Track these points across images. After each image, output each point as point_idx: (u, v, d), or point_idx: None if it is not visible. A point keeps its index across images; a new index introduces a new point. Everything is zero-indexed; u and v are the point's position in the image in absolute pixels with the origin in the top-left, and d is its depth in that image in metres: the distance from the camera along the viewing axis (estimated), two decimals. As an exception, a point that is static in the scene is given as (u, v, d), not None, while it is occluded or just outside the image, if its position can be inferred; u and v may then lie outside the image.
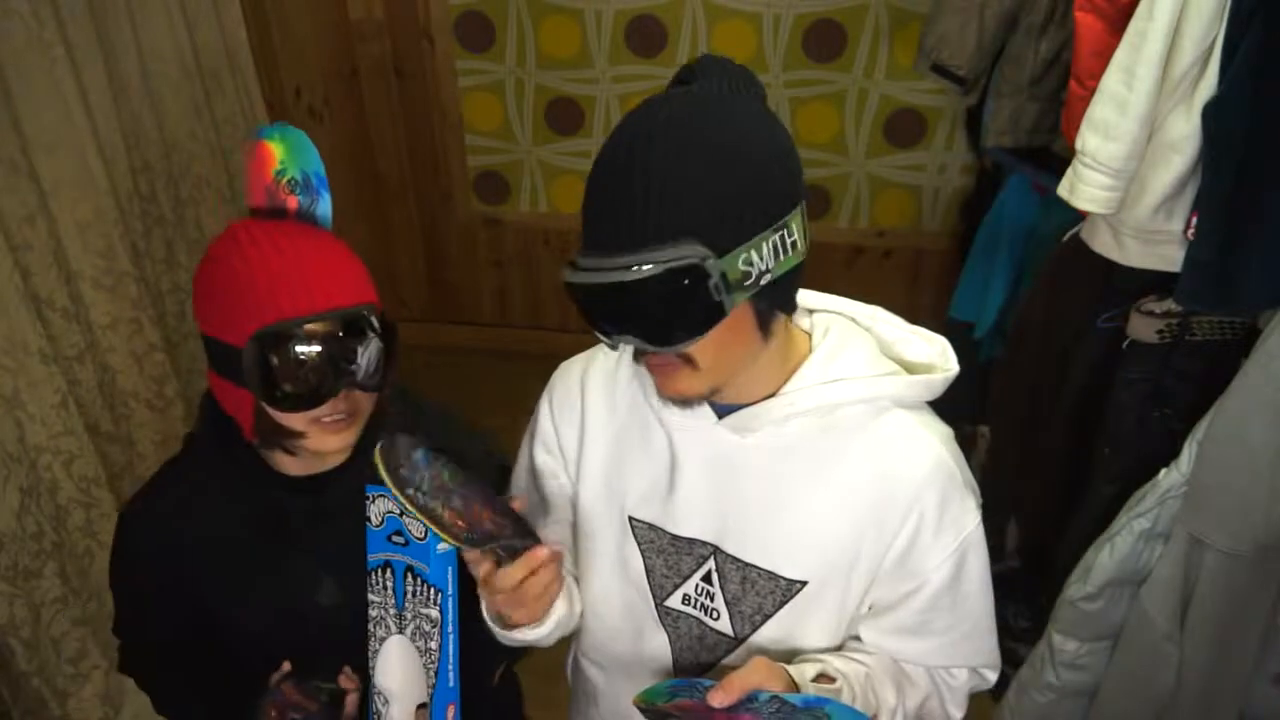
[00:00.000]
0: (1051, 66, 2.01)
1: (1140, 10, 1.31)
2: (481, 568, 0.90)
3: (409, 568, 0.98)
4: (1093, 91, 1.40)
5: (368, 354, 0.94)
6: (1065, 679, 1.73)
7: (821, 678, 0.91)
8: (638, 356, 0.89)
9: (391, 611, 1.00)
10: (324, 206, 1.02)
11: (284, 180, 1.00)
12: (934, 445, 0.92)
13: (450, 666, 0.98)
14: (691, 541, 0.97)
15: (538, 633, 0.97)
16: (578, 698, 1.20)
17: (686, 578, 0.99)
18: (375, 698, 1.02)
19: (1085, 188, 1.43)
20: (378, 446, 0.86)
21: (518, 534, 0.90)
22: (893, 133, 2.95)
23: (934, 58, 2.22)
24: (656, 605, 1.01)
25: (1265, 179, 1.28)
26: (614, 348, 0.87)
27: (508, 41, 2.97)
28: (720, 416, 0.93)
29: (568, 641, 1.13)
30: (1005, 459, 2.01)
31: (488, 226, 3.33)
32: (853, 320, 0.98)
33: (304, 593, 1.07)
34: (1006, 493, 1.99)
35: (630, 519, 1.00)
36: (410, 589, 0.98)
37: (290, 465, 1.04)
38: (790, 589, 0.94)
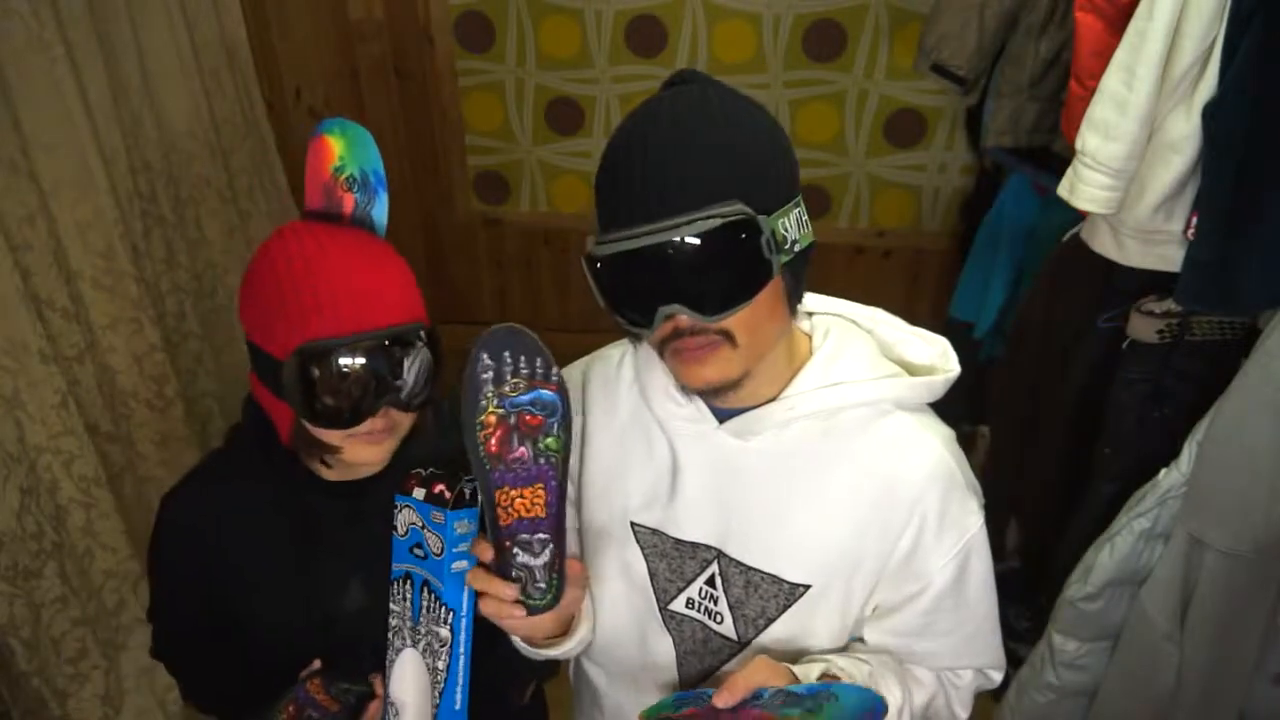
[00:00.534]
0: (1051, 66, 2.01)
1: (1140, 10, 1.31)
2: (485, 555, 0.88)
3: (425, 582, 0.97)
4: (1093, 91, 1.40)
5: (411, 374, 0.92)
6: (1065, 679, 1.73)
7: (825, 677, 0.91)
8: (663, 347, 0.86)
9: (408, 623, 1.00)
10: (380, 208, 0.99)
11: (342, 177, 0.98)
12: (935, 447, 0.92)
13: (458, 688, 0.96)
14: (695, 545, 0.97)
15: (564, 648, 0.97)
16: (581, 699, 1.20)
17: (690, 582, 0.99)
18: (389, 707, 1.02)
19: (1085, 188, 1.43)
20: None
21: (559, 534, 0.88)
22: (893, 133, 2.95)
23: (934, 58, 2.22)
24: (660, 609, 1.01)
25: (1265, 179, 1.28)
26: (638, 338, 0.86)
27: (508, 41, 2.97)
28: (721, 421, 0.92)
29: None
30: (1005, 459, 2.01)
31: (488, 226, 3.33)
32: (853, 322, 0.98)
33: (331, 596, 1.07)
34: (1006, 493, 1.99)
35: (632, 524, 1.00)
36: (425, 604, 0.97)
37: (327, 471, 1.03)
38: (794, 592, 0.94)
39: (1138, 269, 1.51)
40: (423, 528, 0.95)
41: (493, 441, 0.83)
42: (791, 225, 0.82)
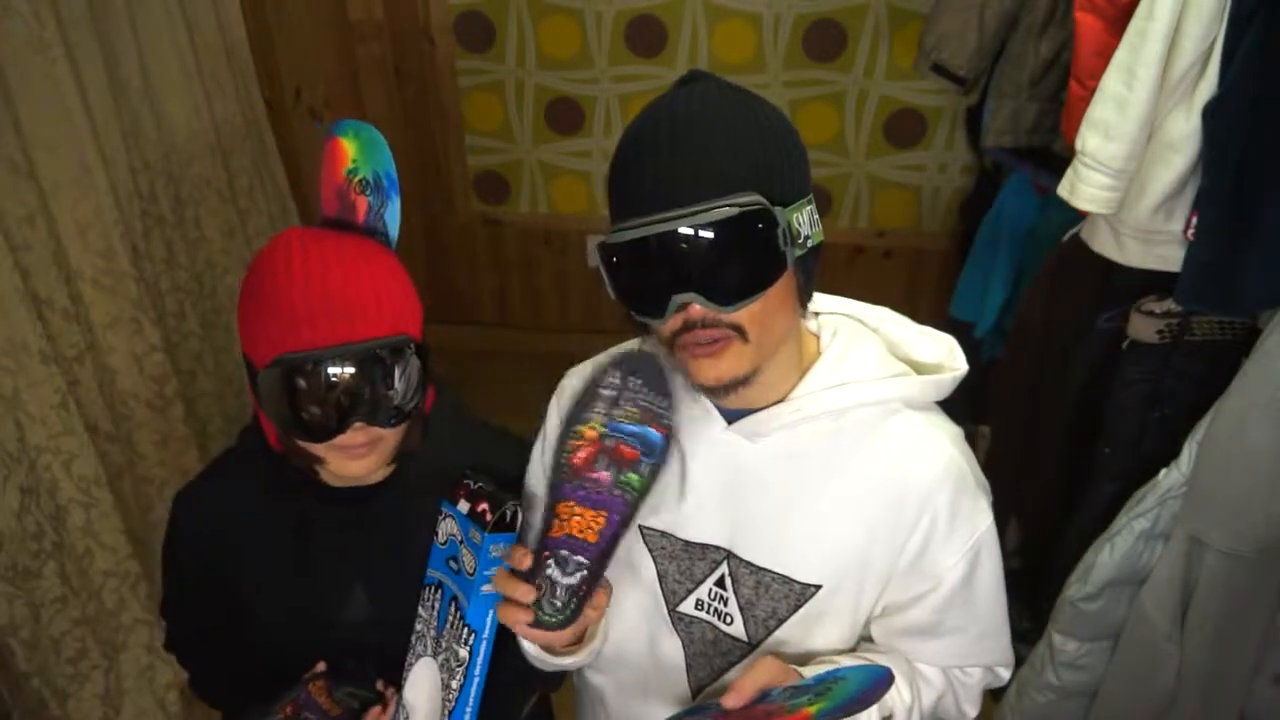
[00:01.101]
0: (1051, 66, 2.01)
1: (1140, 10, 1.31)
2: (522, 562, 0.87)
3: (455, 598, 0.97)
4: (1093, 91, 1.40)
5: (392, 388, 0.90)
6: (1065, 679, 1.73)
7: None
8: (673, 342, 0.85)
9: (432, 632, 0.99)
10: (393, 211, 0.98)
11: (355, 180, 0.97)
12: (945, 445, 0.92)
13: (468, 710, 0.96)
14: (704, 547, 0.97)
15: (577, 658, 0.97)
16: (582, 702, 1.19)
17: (700, 583, 0.98)
18: (400, 707, 1.01)
19: (1085, 188, 1.43)
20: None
21: (599, 565, 0.87)
22: (893, 133, 2.95)
23: (934, 58, 2.22)
24: (670, 611, 1.01)
25: (1265, 179, 1.28)
26: (648, 331, 0.85)
27: (508, 41, 2.97)
28: (729, 422, 0.92)
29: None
30: (1005, 459, 2.01)
31: (488, 226, 3.33)
32: (860, 321, 0.98)
33: (331, 601, 1.06)
34: (1006, 493, 1.99)
35: (641, 527, 0.99)
36: (450, 619, 0.97)
37: (328, 476, 1.01)
38: (804, 593, 0.94)
39: (1138, 269, 1.51)
40: (460, 542, 0.95)
41: (580, 454, 0.84)
42: (805, 220, 0.82)
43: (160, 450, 2.03)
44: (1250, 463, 1.37)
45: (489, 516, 0.92)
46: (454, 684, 0.95)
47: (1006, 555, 2.14)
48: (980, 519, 0.92)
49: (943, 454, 0.91)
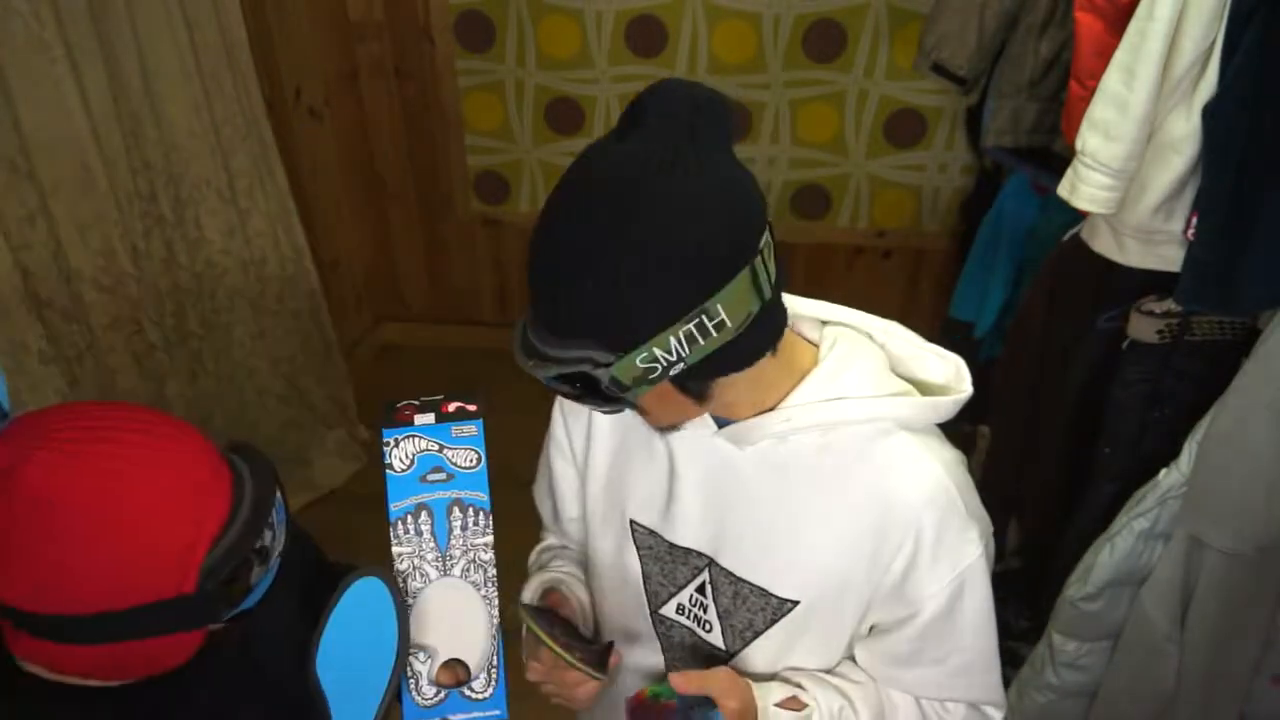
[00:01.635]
0: (1051, 66, 2.01)
1: (1140, 10, 1.31)
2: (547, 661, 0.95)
3: (455, 502, 0.94)
4: (1093, 91, 1.40)
5: None
6: (1065, 679, 1.73)
7: (792, 701, 0.91)
8: None
9: (429, 557, 0.95)
10: None
11: None
12: (935, 470, 0.88)
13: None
14: (688, 551, 0.97)
15: None
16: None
17: (681, 587, 0.98)
18: (412, 659, 0.96)
19: (1085, 188, 1.43)
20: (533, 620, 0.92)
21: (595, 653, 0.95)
22: (893, 133, 2.95)
23: (934, 58, 2.22)
24: (651, 612, 1.01)
25: (1265, 179, 1.28)
26: None
27: (508, 41, 2.97)
28: (720, 427, 0.92)
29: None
30: (1005, 459, 2.01)
31: (488, 226, 3.33)
32: (867, 335, 0.95)
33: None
34: (1007, 493, 1.99)
35: (631, 522, 1.00)
36: (459, 523, 0.95)
37: None
38: (781, 608, 0.93)
39: (1138, 269, 1.51)
40: (440, 450, 0.93)
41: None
42: (673, 349, 0.75)
43: (160, 450, 2.03)
44: (1250, 463, 1.37)
45: (471, 407, 0.93)
46: (492, 574, 0.96)
47: (1006, 555, 2.15)
48: (968, 549, 0.89)
49: (932, 479, 0.88)
